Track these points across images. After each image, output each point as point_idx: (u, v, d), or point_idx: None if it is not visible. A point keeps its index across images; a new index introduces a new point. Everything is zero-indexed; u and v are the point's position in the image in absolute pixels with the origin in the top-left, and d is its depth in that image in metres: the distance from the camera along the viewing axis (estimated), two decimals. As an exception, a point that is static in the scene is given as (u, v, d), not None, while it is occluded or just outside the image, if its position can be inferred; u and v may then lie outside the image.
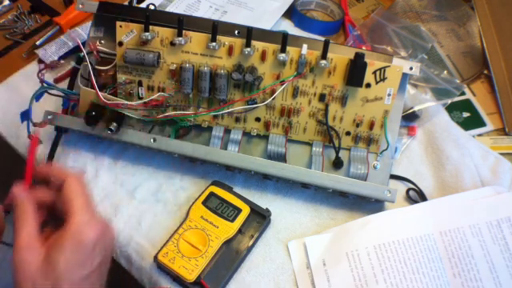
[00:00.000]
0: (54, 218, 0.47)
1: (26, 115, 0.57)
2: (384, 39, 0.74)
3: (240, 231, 0.56)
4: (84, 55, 0.60)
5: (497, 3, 0.74)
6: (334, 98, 0.58)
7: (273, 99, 0.58)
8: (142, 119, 0.59)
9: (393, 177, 0.61)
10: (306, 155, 0.61)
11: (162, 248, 0.54)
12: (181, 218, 0.58)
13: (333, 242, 0.56)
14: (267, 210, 0.58)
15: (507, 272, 0.53)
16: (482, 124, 0.69)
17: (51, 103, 0.66)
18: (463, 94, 0.72)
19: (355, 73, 0.55)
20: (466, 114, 0.70)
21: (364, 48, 0.72)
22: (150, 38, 0.56)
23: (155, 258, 0.54)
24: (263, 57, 0.56)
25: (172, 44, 0.57)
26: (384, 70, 0.56)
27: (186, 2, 0.81)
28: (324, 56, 0.55)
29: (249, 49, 0.55)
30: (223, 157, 0.58)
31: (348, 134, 0.60)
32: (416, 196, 0.60)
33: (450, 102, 0.69)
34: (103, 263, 0.44)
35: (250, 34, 0.55)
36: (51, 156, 0.61)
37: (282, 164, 0.57)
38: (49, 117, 0.60)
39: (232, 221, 0.56)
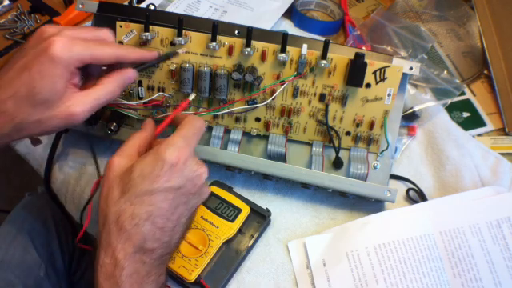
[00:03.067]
0: None
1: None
2: (384, 39, 0.74)
3: (240, 231, 0.56)
4: (84, 55, 0.60)
5: (497, 3, 0.74)
6: (333, 97, 0.58)
7: (273, 99, 0.58)
8: (141, 119, 0.59)
9: (393, 177, 0.61)
10: (306, 155, 0.61)
11: (162, 248, 0.54)
12: (181, 218, 0.58)
13: (333, 242, 0.56)
14: (267, 210, 0.58)
15: (507, 272, 0.53)
16: (482, 124, 0.69)
17: (51, 103, 0.66)
18: (463, 94, 0.72)
19: (355, 73, 0.55)
20: (465, 114, 0.70)
21: (364, 48, 0.72)
22: (150, 37, 0.56)
23: (155, 257, 0.54)
24: (263, 57, 0.56)
25: (172, 44, 0.57)
26: (384, 70, 0.56)
27: (186, 1, 0.81)
28: (324, 56, 0.55)
29: (249, 49, 0.55)
30: (223, 157, 0.58)
31: (348, 134, 0.60)
32: (416, 196, 0.60)
33: (449, 102, 0.69)
34: (180, 203, 0.45)
35: (250, 34, 0.55)
36: (51, 156, 0.61)
37: (281, 164, 0.57)
38: (49, 117, 0.60)
39: (232, 221, 0.56)
